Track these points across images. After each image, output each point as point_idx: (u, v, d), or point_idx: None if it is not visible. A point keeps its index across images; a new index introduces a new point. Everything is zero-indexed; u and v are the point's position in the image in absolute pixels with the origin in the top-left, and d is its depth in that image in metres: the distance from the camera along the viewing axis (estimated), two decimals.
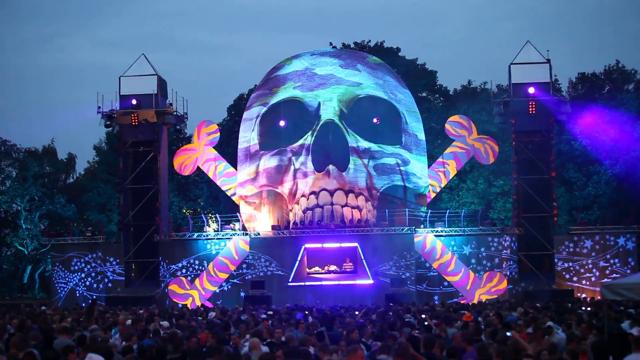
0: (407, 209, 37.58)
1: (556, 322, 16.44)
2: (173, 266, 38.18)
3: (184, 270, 38.08)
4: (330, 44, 57.48)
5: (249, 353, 11.31)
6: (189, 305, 34.37)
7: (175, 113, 41.85)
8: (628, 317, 16.82)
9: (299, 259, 36.54)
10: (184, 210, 53.43)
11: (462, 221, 38.32)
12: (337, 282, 36.26)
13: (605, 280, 33.33)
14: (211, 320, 19.20)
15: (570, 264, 37.86)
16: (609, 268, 37.37)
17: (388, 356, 10.51)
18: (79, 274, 39.66)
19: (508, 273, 37.08)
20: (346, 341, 12.21)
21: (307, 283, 36.30)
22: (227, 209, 44.66)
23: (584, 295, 35.43)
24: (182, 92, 44.44)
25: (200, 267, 37.91)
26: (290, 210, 38.31)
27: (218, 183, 41.83)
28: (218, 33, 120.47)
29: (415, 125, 40.07)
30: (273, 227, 37.73)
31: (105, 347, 11.23)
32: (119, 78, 41.00)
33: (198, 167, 41.51)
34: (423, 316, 18.76)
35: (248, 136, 40.33)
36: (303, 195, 38.12)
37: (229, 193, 41.66)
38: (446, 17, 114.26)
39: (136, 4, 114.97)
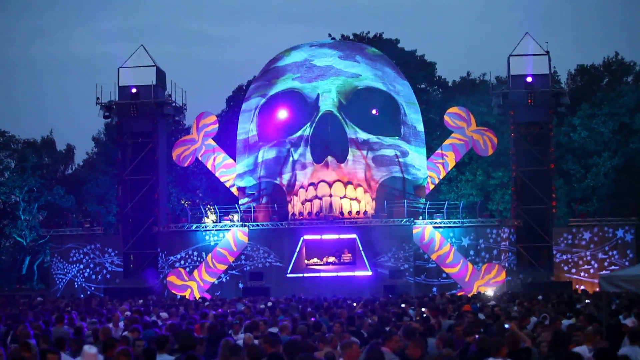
0: (405, 201, 37.52)
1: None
2: (172, 257, 38.17)
3: (182, 262, 38.08)
4: (329, 35, 57.42)
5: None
6: (187, 297, 34.35)
7: (174, 104, 41.80)
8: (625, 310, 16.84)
9: (297, 250, 36.53)
10: (183, 202, 53.43)
11: (460, 213, 38.29)
12: (335, 274, 36.26)
13: (604, 272, 33.35)
14: (206, 312, 19.18)
15: (569, 255, 37.87)
16: (608, 260, 37.38)
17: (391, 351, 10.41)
18: (78, 265, 39.65)
19: (506, 265, 37.08)
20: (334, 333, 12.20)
21: (305, 275, 36.29)
22: (225, 200, 44.64)
23: (582, 287, 35.45)
24: (181, 83, 44.34)
25: (199, 259, 37.89)
26: (289, 202, 38.25)
27: (217, 174, 41.80)
28: (216, 24, 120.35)
29: (414, 117, 40.02)
30: (271, 219, 37.71)
31: (107, 339, 11.23)
32: (118, 69, 40.93)
33: (197, 159, 41.47)
34: (423, 309, 18.70)
35: (247, 127, 40.27)
36: (302, 187, 38.07)
37: (227, 184, 41.64)
38: (445, 9, 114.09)
39: None
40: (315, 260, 37.07)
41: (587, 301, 21.55)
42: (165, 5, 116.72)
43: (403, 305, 20.61)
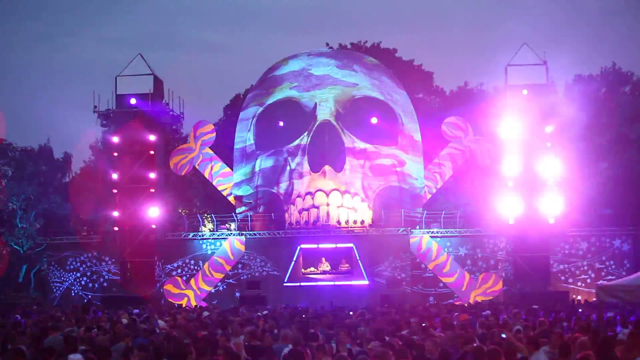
0: (402, 210, 37.54)
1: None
2: (168, 266, 38.11)
3: (179, 270, 38.03)
4: (327, 44, 57.48)
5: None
6: (184, 305, 34.29)
7: (171, 113, 41.77)
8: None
9: (294, 259, 36.50)
10: (180, 210, 53.33)
11: (457, 222, 38.29)
12: (332, 283, 36.23)
13: (601, 282, 33.29)
14: (204, 320, 19.16)
15: (566, 265, 37.86)
16: (605, 270, 37.39)
17: None
18: (75, 273, 39.61)
19: (503, 274, 37.07)
20: (336, 343, 12.21)
21: (302, 284, 36.26)
22: (222, 209, 44.55)
23: (579, 297, 35.45)
24: (179, 91, 44.33)
25: (196, 267, 37.86)
26: (286, 211, 38.25)
27: (214, 183, 41.78)
28: (214, 32, 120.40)
29: (411, 126, 40.06)
30: (269, 228, 37.70)
31: (101, 346, 11.20)
32: (115, 78, 40.92)
33: (194, 167, 41.45)
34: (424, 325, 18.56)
35: (244, 136, 40.31)
36: (299, 196, 38.08)
37: (224, 193, 41.62)
38: (443, 19, 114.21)
39: (133, 3, 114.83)
40: (312, 269, 37.05)
41: (579, 310, 21.57)
42: (164, 13, 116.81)
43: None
